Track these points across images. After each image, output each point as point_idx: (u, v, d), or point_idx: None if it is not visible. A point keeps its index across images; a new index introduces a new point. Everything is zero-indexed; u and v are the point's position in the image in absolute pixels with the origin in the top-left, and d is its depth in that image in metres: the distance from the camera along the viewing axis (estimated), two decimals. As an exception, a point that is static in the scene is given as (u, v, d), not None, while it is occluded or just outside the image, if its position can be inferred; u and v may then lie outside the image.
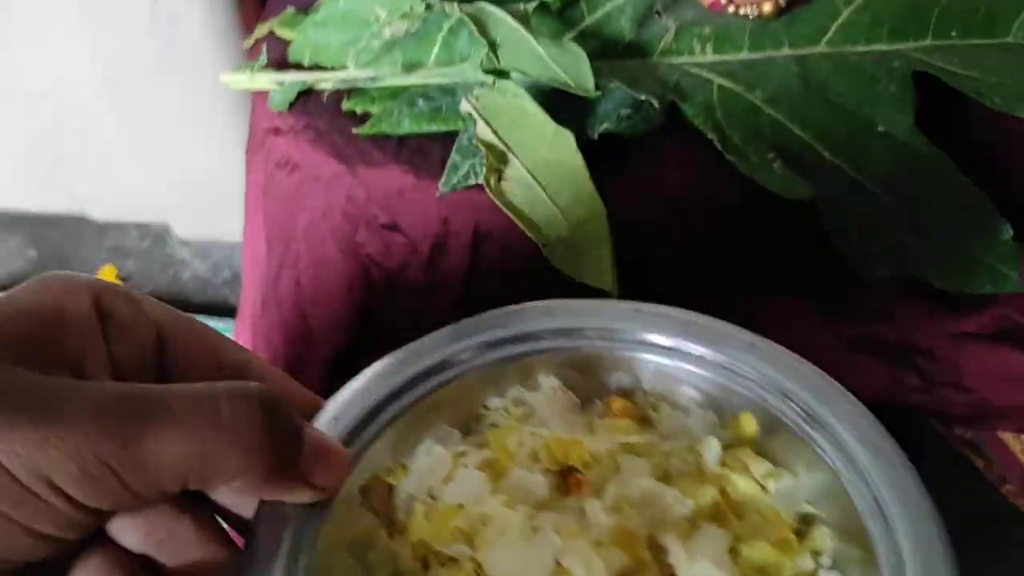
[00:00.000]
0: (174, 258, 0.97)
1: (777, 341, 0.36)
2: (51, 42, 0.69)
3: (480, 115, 0.50)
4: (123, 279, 1.00)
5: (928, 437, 0.66)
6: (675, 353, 0.34)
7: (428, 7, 0.54)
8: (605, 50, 0.58)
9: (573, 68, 0.50)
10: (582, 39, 0.58)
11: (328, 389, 0.39)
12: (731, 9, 0.59)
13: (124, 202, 0.85)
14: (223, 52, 0.66)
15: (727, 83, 0.55)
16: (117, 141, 0.75)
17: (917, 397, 0.59)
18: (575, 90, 0.48)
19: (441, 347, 0.34)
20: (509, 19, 0.52)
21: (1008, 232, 0.53)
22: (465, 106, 0.50)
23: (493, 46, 0.51)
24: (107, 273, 0.99)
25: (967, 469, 0.69)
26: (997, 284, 0.53)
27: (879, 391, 0.60)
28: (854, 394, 0.34)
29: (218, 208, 0.72)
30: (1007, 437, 0.72)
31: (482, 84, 0.52)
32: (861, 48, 0.58)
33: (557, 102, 0.52)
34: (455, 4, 0.52)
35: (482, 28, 0.52)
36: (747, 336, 0.34)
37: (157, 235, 0.93)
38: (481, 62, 0.51)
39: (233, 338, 0.36)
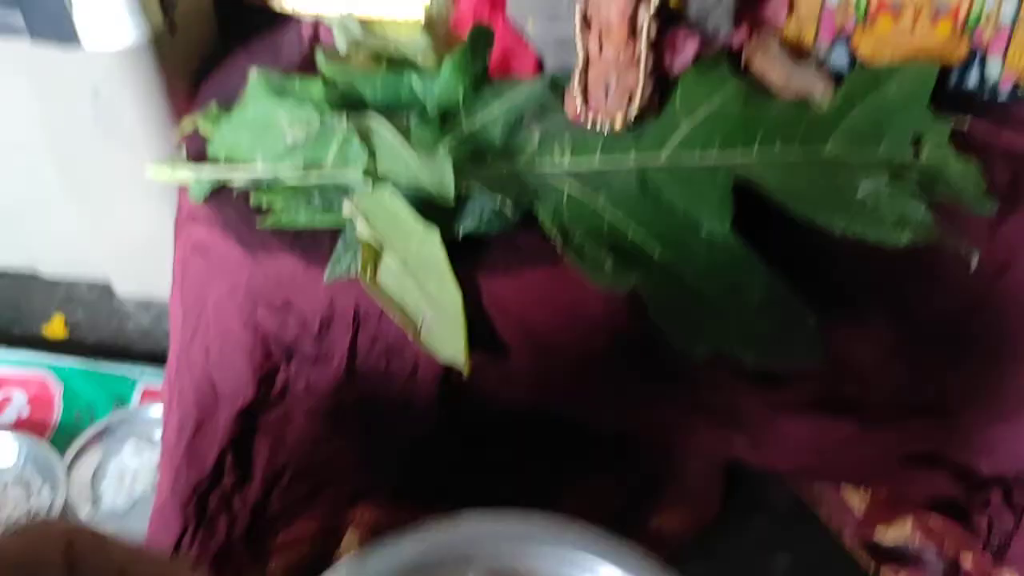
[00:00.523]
0: (120, 310, 1.05)
1: (622, 408, 0.45)
2: (2, 109, 0.77)
3: (359, 215, 0.59)
4: (71, 327, 1.08)
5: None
6: None
7: (323, 120, 0.63)
8: (478, 155, 0.67)
9: (438, 177, 0.59)
10: (459, 145, 0.68)
11: (233, 442, 0.47)
12: (588, 120, 0.69)
13: (71, 260, 0.93)
14: (156, 137, 0.75)
15: (577, 188, 0.65)
16: (64, 204, 0.84)
17: (748, 455, 0.69)
18: (436, 198, 0.58)
19: None
20: (389, 131, 0.61)
21: (811, 319, 0.63)
22: (347, 207, 0.59)
23: (373, 155, 0.60)
24: (57, 322, 1.08)
25: (810, 519, 0.79)
26: (803, 362, 0.63)
27: (714, 450, 0.70)
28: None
29: (156, 269, 0.81)
30: (846, 490, 0.82)
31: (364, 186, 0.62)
32: (697, 156, 0.68)
33: (428, 203, 0.61)
34: (344, 117, 0.61)
35: (366, 138, 0.61)
36: None
37: (104, 288, 1.01)
38: (364, 168, 0.60)
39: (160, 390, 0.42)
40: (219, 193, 0.66)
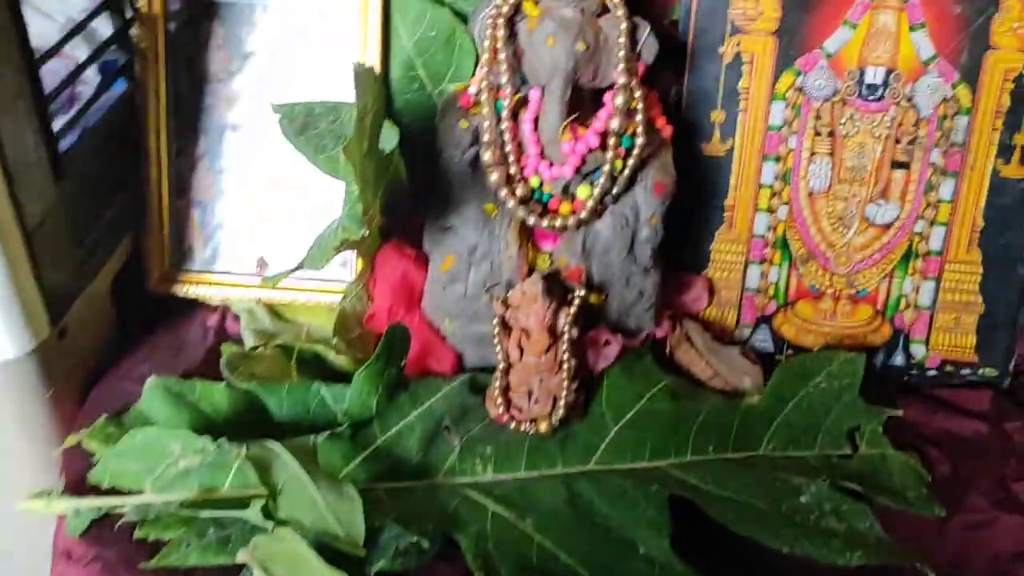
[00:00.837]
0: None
1: None
2: None
3: (257, 564, 0.52)
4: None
5: None
6: None
7: (219, 447, 0.57)
8: (392, 472, 0.62)
9: (347, 518, 0.54)
10: (372, 460, 0.63)
11: None
12: (512, 425, 0.65)
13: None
14: (37, 456, 0.68)
15: (501, 510, 0.60)
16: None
17: None
18: (344, 546, 0.52)
19: None
20: (293, 463, 0.56)
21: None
22: (242, 555, 0.53)
23: (273, 493, 0.54)
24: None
25: None
26: None
27: None
28: None
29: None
30: None
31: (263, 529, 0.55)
32: (627, 465, 0.64)
33: (336, 542, 0.55)
34: (242, 448, 0.56)
35: (265, 472, 0.56)
36: None
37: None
38: (262, 508, 0.54)
39: None
40: (99, 528, 0.59)
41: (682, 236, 0.76)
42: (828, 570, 0.59)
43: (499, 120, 0.65)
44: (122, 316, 0.78)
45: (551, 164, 0.66)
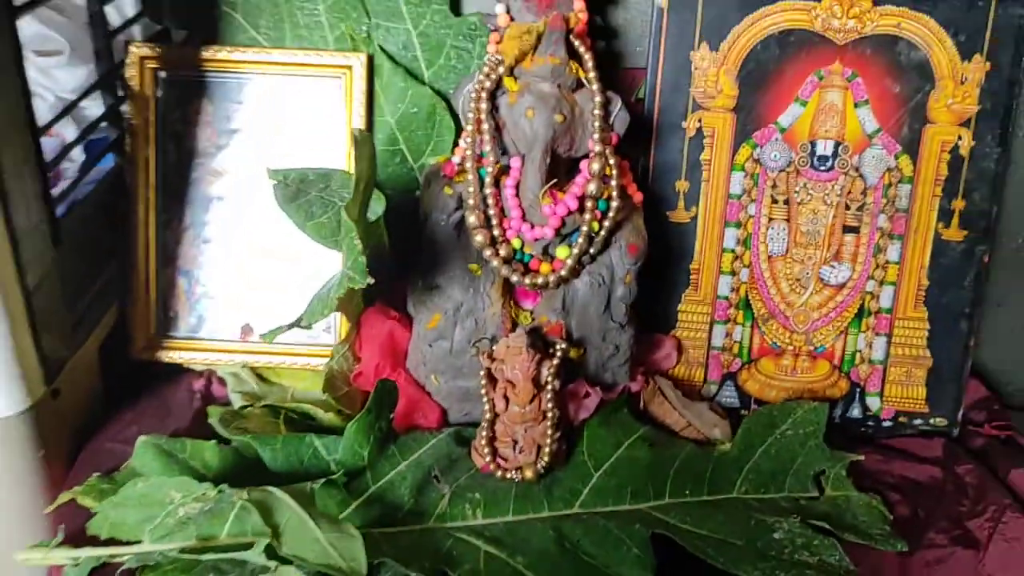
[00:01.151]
0: None
1: None
2: None
3: (261, 603, 0.54)
4: None
5: None
6: None
7: (221, 492, 0.60)
8: (386, 517, 0.65)
9: (348, 552, 0.56)
10: (367, 507, 0.65)
11: None
12: (499, 473, 0.68)
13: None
14: (30, 508, 0.69)
15: (493, 549, 0.62)
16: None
17: None
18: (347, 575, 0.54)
19: None
20: (293, 504, 0.58)
21: None
22: (247, 595, 0.55)
23: (276, 532, 0.57)
24: None
25: None
26: None
27: None
28: None
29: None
30: None
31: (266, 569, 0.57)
32: (610, 508, 0.67)
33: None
34: (243, 492, 0.58)
35: (267, 514, 0.58)
36: None
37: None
38: (265, 548, 0.56)
39: None
40: (99, 574, 0.61)
41: (652, 298, 0.81)
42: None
43: (482, 186, 0.70)
44: (107, 381, 0.80)
45: (532, 226, 0.71)
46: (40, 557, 0.61)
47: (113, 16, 0.82)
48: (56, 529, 0.64)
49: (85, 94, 0.79)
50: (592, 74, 0.70)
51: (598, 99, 0.70)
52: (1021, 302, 0.90)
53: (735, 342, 0.82)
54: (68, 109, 0.76)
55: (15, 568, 0.64)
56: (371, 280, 0.62)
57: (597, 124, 0.70)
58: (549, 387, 0.68)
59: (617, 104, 0.71)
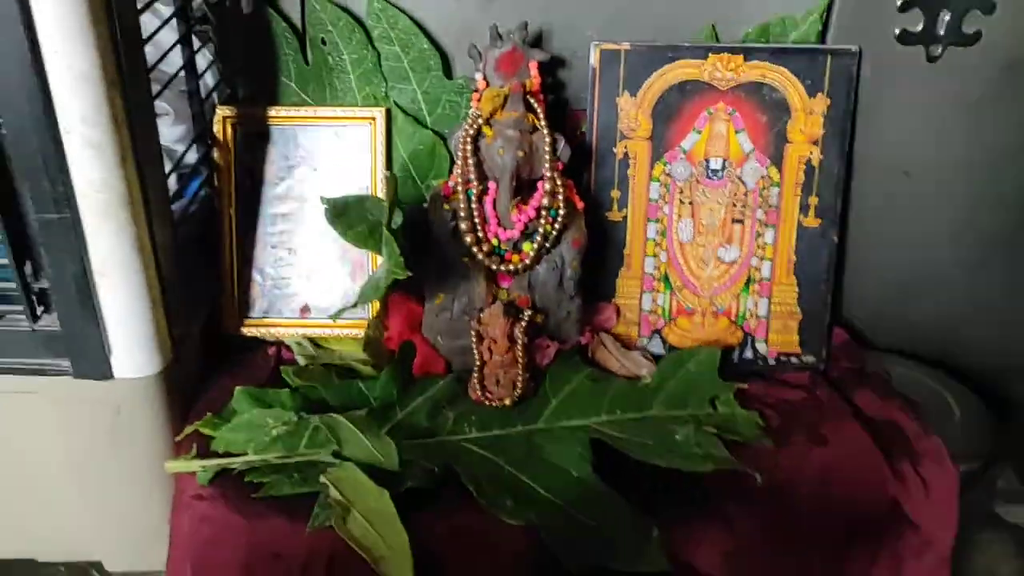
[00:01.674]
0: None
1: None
2: (25, 425, 0.93)
3: (331, 484, 0.79)
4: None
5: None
6: None
7: (300, 418, 0.84)
8: (410, 434, 0.89)
9: (385, 451, 0.80)
10: (397, 428, 0.89)
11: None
12: (487, 402, 0.92)
13: (68, 547, 1.06)
14: (163, 440, 0.93)
15: (484, 452, 0.87)
16: (70, 500, 0.98)
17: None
18: (386, 466, 0.79)
19: None
20: (349, 424, 0.83)
21: (655, 532, 0.83)
22: (322, 479, 0.79)
23: (339, 441, 0.81)
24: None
25: None
26: (654, 567, 0.82)
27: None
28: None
29: (147, 547, 0.95)
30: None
31: (333, 464, 0.82)
32: (563, 424, 0.91)
33: (380, 471, 0.81)
34: (316, 417, 0.83)
35: (332, 430, 0.82)
36: None
37: (82, 569, 1.13)
38: (333, 452, 0.81)
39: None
40: (221, 477, 0.85)
41: (596, 276, 1.04)
42: (691, 477, 0.86)
43: (470, 203, 0.94)
44: (207, 351, 1.04)
45: (505, 230, 0.94)
46: (183, 465, 0.85)
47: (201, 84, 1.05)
48: (187, 450, 0.88)
49: (191, 145, 1.02)
50: (543, 122, 0.93)
51: (548, 139, 0.93)
52: (874, 268, 1.12)
53: (659, 306, 1.06)
54: (181, 158, 0.99)
55: (156, 480, 0.88)
56: (410, 273, 0.85)
57: (548, 157, 0.93)
58: (520, 342, 0.92)
59: (561, 142, 0.94)
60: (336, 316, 0.90)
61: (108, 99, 0.74)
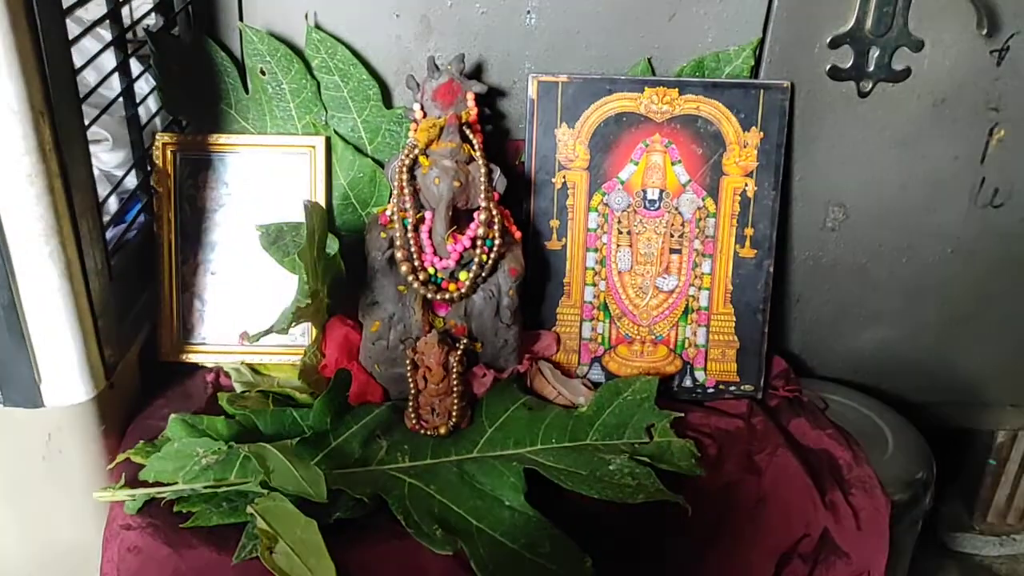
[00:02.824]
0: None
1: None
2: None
3: (259, 515, 0.80)
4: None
5: None
6: None
7: (230, 447, 0.85)
8: (342, 463, 0.90)
9: (314, 482, 0.81)
10: (329, 457, 0.90)
11: None
12: (421, 431, 0.94)
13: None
14: (94, 468, 0.93)
15: (415, 481, 0.88)
16: (4, 527, 0.98)
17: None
18: (314, 496, 0.80)
19: None
20: (278, 454, 0.83)
21: (588, 562, 0.84)
22: (250, 509, 0.80)
23: (268, 471, 0.82)
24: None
25: None
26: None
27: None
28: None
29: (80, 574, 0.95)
30: None
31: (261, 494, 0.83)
32: (498, 453, 0.92)
33: (308, 501, 0.82)
34: (245, 447, 0.83)
35: (261, 460, 0.83)
36: None
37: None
38: (261, 482, 0.82)
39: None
40: (149, 506, 0.86)
41: (537, 304, 1.06)
42: (624, 507, 0.88)
43: (406, 231, 0.96)
44: (145, 376, 1.04)
45: (441, 259, 0.96)
46: (110, 495, 0.86)
47: (142, 110, 1.07)
48: (117, 479, 0.89)
49: (129, 170, 1.03)
50: (478, 152, 0.95)
51: (483, 170, 0.95)
52: (813, 298, 1.15)
53: (599, 334, 1.08)
54: (117, 184, 1.00)
55: (87, 508, 0.88)
56: (309, 302, 0.87)
57: (484, 187, 0.95)
58: (455, 371, 0.94)
59: (497, 172, 0.96)
60: (253, 340, 0.91)
61: (36, 130, 0.75)
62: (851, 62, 1.01)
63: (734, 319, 1.06)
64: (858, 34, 1.00)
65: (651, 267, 1.05)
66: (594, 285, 1.06)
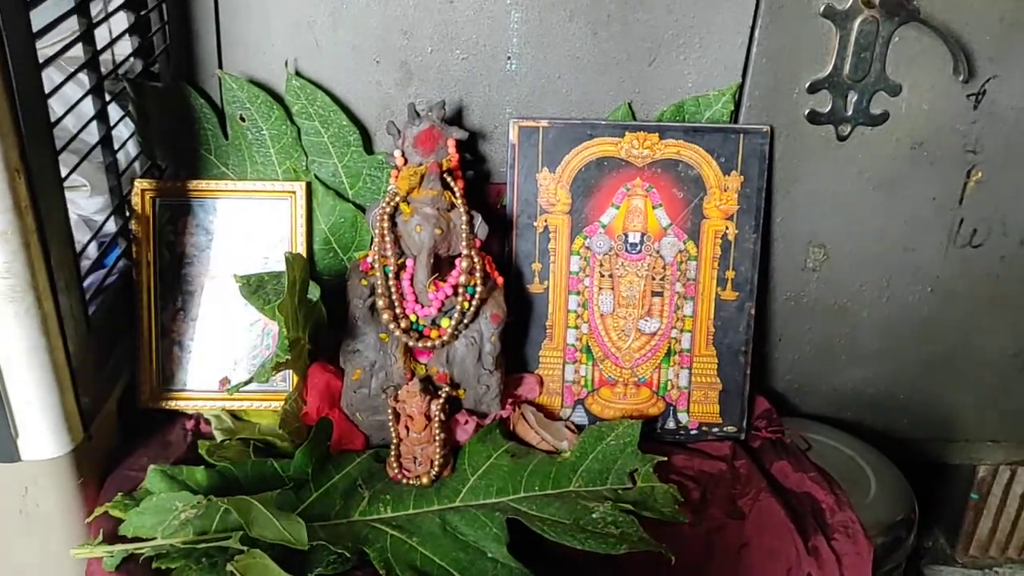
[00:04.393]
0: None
1: None
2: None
3: (238, 572, 0.79)
4: None
5: None
6: None
7: (210, 501, 0.84)
8: (323, 514, 0.89)
9: (295, 531, 0.80)
10: (310, 507, 0.89)
11: None
12: (403, 480, 0.93)
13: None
14: (72, 521, 0.92)
15: (396, 533, 0.87)
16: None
17: None
18: (295, 546, 0.79)
19: None
20: (259, 506, 0.83)
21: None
22: (229, 567, 0.79)
23: (249, 522, 0.81)
24: None
25: None
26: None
27: None
28: None
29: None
30: None
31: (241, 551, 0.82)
32: (480, 502, 0.92)
33: (290, 552, 0.81)
34: (225, 500, 0.82)
35: (242, 512, 0.82)
36: None
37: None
38: (241, 538, 0.81)
39: None
40: (127, 562, 0.84)
41: (520, 347, 1.06)
42: (607, 558, 0.87)
43: (388, 279, 0.95)
44: (124, 425, 1.03)
45: (422, 306, 0.96)
46: (88, 551, 0.85)
47: (121, 155, 1.06)
48: (96, 533, 0.88)
49: (109, 216, 1.02)
50: (460, 199, 0.95)
51: (465, 217, 0.95)
52: (795, 337, 1.16)
53: (582, 376, 1.08)
54: (98, 231, 0.99)
55: (65, 563, 0.87)
56: (290, 357, 0.86)
57: (465, 234, 0.95)
58: (437, 419, 0.93)
59: (478, 219, 0.96)
60: (232, 391, 0.90)
61: (11, 188, 0.75)
62: (829, 106, 1.01)
63: (716, 361, 1.06)
64: (836, 79, 1.01)
65: (633, 310, 1.05)
66: (576, 328, 1.06)
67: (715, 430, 1.08)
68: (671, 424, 1.08)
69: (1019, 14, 0.99)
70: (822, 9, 0.98)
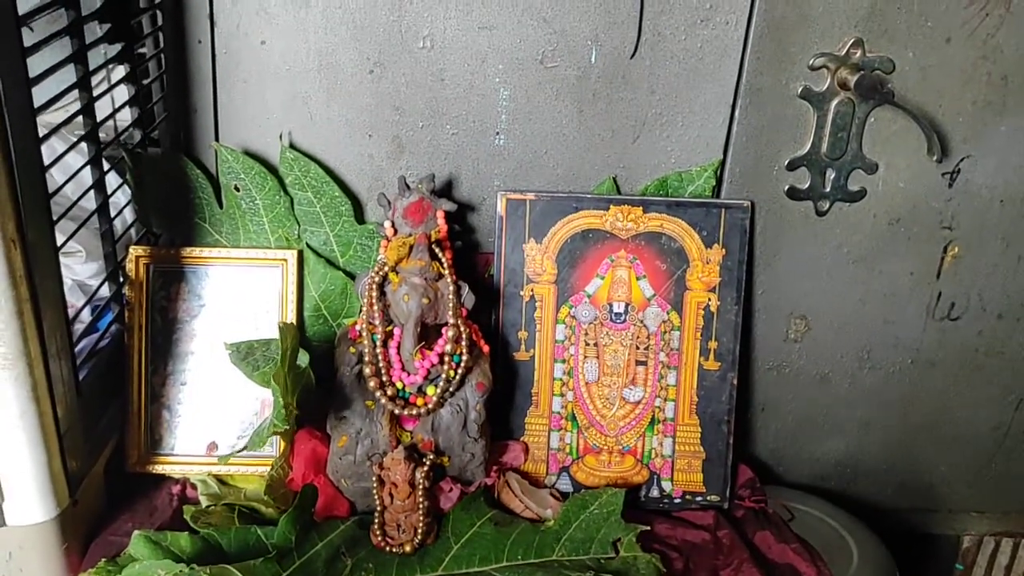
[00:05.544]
0: None
1: None
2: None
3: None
4: None
5: None
6: None
7: (192, 570, 0.84)
8: (307, 584, 0.89)
9: (277, 608, 0.80)
10: (293, 574, 0.89)
11: None
12: (387, 548, 0.93)
13: None
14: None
15: (379, 603, 0.87)
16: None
17: None
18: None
19: None
20: (241, 574, 0.82)
21: None
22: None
23: (229, 595, 0.81)
24: None
25: None
26: None
27: None
28: None
29: None
30: None
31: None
32: (464, 570, 0.92)
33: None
34: (207, 569, 0.82)
35: (226, 585, 0.82)
36: None
37: None
38: (222, 605, 0.81)
39: None
40: (109, 631, 0.84)
41: (505, 414, 1.07)
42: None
43: (375, 347, 0.96)
44: (110, 489, 1.03)
45: (408, 374, 0.97)
46: (68, 622, 0.84)
47: (117, 222, 1.07)
48: (79, 599, 0.87)
49: (103, 282, 1.03)
50: (447, 269, 0.97)
51: (452, 287, 0.97)
52: (778, 407, 1.17)
53: (567, 444, 1.08)
54: (92, 296, 1.01)
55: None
56: (288, 427, 0.87)
57: (452, 303, 0.96)
58: (421, 487, 0.94)
59: (465, 289, 0.98)
60: (224, 460, 0.91)
61: (7, 258, 0.76)
62: (808, 183, 1.04)
63: (700, 430, 1.07)
64: (814, 157, 1.03)
65: (618, 378, 1.06)
66: (562, 395, 1.06)
67: (699, 499, 1.08)
68: (655, 492, 1.08)
69: (991, 97, 1.02)
70: (800, 91, 1.01)
